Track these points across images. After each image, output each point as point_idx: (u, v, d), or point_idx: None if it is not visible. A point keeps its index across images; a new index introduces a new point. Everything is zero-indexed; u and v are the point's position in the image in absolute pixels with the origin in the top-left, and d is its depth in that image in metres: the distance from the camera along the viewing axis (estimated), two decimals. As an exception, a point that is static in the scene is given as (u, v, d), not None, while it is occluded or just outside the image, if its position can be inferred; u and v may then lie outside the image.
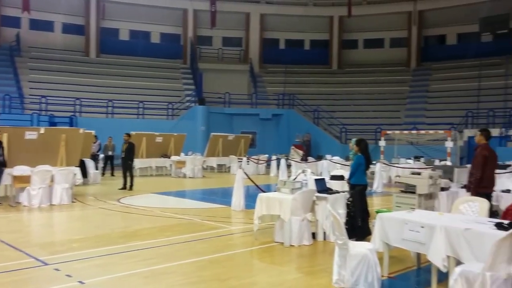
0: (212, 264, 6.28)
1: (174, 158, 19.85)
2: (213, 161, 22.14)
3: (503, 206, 8.23)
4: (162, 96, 27.72)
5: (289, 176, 16.47)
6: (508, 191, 9.10)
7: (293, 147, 24.38)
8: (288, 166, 19.57)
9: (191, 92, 28.97)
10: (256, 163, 21.49)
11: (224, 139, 22.95)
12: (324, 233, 7.64)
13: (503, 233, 4.38)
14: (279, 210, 7.32)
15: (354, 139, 8.38)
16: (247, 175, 11.19)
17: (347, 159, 18.50)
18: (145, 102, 26.26)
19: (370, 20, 32.83)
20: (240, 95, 29.77)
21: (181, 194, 14.18)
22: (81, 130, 13.02)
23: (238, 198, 10.85)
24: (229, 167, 22.23)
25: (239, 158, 21.50)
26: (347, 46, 34.45)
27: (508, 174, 12.57)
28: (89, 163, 16.13)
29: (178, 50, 33.25)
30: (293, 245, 7.14)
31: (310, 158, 21.19)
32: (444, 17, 31.42)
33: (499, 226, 4.79)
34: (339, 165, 17.09)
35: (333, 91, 31.04)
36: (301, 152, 23.65)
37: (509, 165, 14.43)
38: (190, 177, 18.91)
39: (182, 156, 20.16)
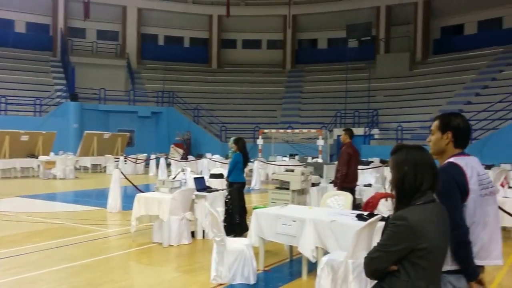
0: (86, 269, 5.97)
1: (42, 158, 18.35)
2: (87, 161, 20.96)
3: (365, 199, 9.06)
4: (29, 91, 25.48)
5: (168, 176, 16.27)
6: (369, 185, 10.07)
7: (173, 145, 24.11)
8: (168, 165, 19.31)
9: (62, 87, 27.06)
10: (134, 162, 20.85)
11: (99, 137, 21.85)
12: (204, 231, 7.71)
13: (362, 224, 4.85)
14: (158, 210, 7.21)
15: (232, 138, 8.57)
16: (124, 175, 10.81)
17: (226, 157, 18.85)
18: (8, 97, 23.89)
19: (248, 21, 33.75)
20: (116, 92, 28.55)
21: (50, 197, 13.18)
22: None
23: (114, 199, 10.42)
24: (104, 167, 21.22)
25: (115, 158, 20.65)
26: (226, 46, 35.02)
27: (370, 169, 13.90)
28: None
29: (47, 41, 30.81)
30: (172, 245, 7.09)
31: (190, 157, 21.16)
32: (315, 22, 33.51)
33: (360, 217, 5.28)
34: (219, 163, 17.33)
35: (213, 89, 31.35)
36: (181, 150, 23.50)
37: (372, 162, 15.95)
38: (61, 178, 17.65)
39: (52, 156, 18.74)
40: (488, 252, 2.68)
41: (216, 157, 19.58)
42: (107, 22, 32.48)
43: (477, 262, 2.63)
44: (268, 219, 5.78)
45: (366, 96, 27.21)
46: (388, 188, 11.65)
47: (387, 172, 13.80)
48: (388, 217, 5.43)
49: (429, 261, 2.24)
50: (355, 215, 5.46)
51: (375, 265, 2.28)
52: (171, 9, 33.02)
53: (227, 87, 31.38)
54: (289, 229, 5.51)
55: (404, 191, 2.31)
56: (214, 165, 17.39)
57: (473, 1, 27.84)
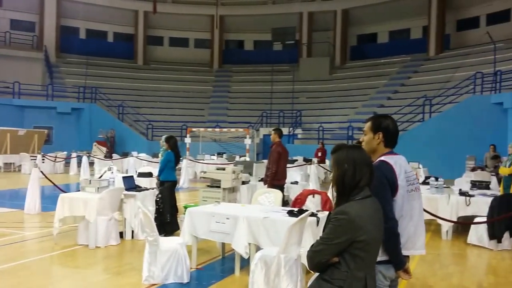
0: (4, 275, 5.61)
1: None
2: (-1, 159, 19.61)
3: (292, 195, 9.37)
4: None
5: (92, 175, 15.67)
6: (296, 182, 10.42)
7: (95, 143, 23.19)
8: (91, 163, 18.57)
9: (-30, 79, 25.04)
10: (53, 161, 19.79)
11: (12, 134, 20.46)
12: (133, 231, 7.56)
13: (293, 219, 5.04)
14: (84, 210, 6.95)
15: (164, 136, 8.47)
16: (44, 174, 10.26)
17: (154, 155, 18.50)
18: None
19: (175, 19, 33.30)
20: (32, 86, 26.86)
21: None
22: None
23: (33, 200, 9.83)
24: (19, 166, 19.93)
25: (32, 156, 19.46)
26: (153, 42, 34.27)
27: (296, 167, 14.35)
28: None
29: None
30: (99, 247, 6.87)
31: (115, 155, 20.48)
32: (242, 24, 33.86)
33: (291, 213, 5.49)
34: (146, 162, 16.98)
35: (138, 86, 30.51)
36: (104, 148, 22.68)
37: (296, 160, 16.46)
38: (-31, 178, 16.35)
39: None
40: (413, 243, 2.94)
41: (143, 155, 19.14)
42: (23, 11, 30.47)
43: (404, 252, 2.89)
44: (202, 217, 5.82)
45: (290, 98, 28.01)
46: (312, 185, 12.11)
47: (311, 170, 14.35)
48: (317, 212, 5.70)
49: (367, 252, 2.42)
50: (286, 211, 5.66)
51: (318, 257, 2.42)
52: (94, 1, 31.67)
53: (154, 85, 30.71)
54: (223, 227, 5.59)
55: (344, 187, 2.47)
56: (140, 163, 17.00)
57: (385, 13, 29.68)
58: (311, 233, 5.28)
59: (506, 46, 23.08)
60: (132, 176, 8.41)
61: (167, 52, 34.48)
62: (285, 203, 7.64)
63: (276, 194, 6.93)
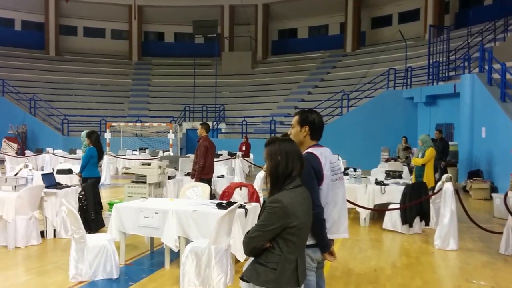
0: None
1: None
2: None
3: (219, 189, 9.50)
4: None
5: (3, 172, 14.67)
6: (222, 176, 10.55)
7: (5, 139, 21.64)
8: (1, 161, 17.35)
9: None
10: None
11: None
12: (54, 230, 7.26)
13: (223, 211, 5.17)
14: (1, 210, 6.56)
15: (85, 131, 8.18)
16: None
17: (71, 152, 17.69)
18: None
19: (90, 8, 31.80)
20: None
21: None
22: None
23: None
24: None
25: None
26: (66, 32, 32.52)
27: (221, 161, 14.47)
28: None
29: None
30: (19, 247, 6.52)
31: (28, 152, 19.28)
32: (162, 15, 33.18)
33: (220, 206, 5.61)
34: (63, 158, 16.20)
35: (51, 79, 28.85)
36: (15, 145, 21.25)
37: (221, 154, 16.58)
38: None
39: None
40: (337, 227, 3.21)
41: (59, 151, 18.21)
42: None
43: (329, 236, 3.15)
44: (130, 212, 5.75)
45: (213, 92, 28.00)
46: (237, 179, 12.31)
47: (236, 164, 14.57)
48: (245, 204, 5.86)
49: (298, 237, 2.63)
50: (215, 204, 5.77)
51: (254, 243, 2.59)
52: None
53: (68, 77, 29.16)
54: (152, 221, 5.57)
55: (278, 178, 2.66)
56: (57, 160, 16.17)
57: (304, 8, 30.67)
58: (240, 224, 5.44)
59: (416, 44, 24.81)
60: (52, 173, 8.06)
61: (82, 42, 32.88)
62: (212, 196, 7.74)
63: (204, 187, 7.01)
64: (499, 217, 9.10)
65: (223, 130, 25.19)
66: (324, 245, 3.10)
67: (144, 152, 19.49)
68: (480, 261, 6.46)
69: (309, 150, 3.16)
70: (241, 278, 2.70)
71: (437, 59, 18.16)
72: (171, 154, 17.58)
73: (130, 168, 16.54)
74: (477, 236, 7.74)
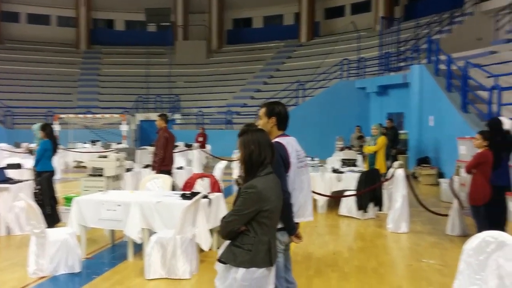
0: None
1: None
2: None
3: (178, 180, 9.47)
4: None
5: None
6: (181, 167, 10.52)
7: None
8: None
9: None
10: None
11: None
12: (7, 227, 7.04)
13: (188, 202, 5.22)
14: (-50, 207, 6.30)
15: (38, 124, 7.92)
16: None
17: (16, 145, 16.96)
18: None
19: (33, -8, 30.48)
20: None
21: None
22: None
23: None
24: None
25: None
26: (7, 19, 30.90)
27: (178, 153, 14.37)
28: None
29: None
30: (-30, 245, 6.32)
31: (-31, 146, 18.30)
32: (112, 2, 32.22)
33: (184, 196, 5.65)
34: (8, 152, 15.50)
35: (-8, 68, 27.48)
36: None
37: (177, 146, 16.44)
38: None
39: None
40: (303, 211, 3.41)
41: (4, 145, 17.40)
42: None
43: (296, 219, 3.33)
44: (91, 206, 5.68)
45: (167, 82, 27.63)
46: (195, 170, 12.31)
47: (193, 155, 14.55)
48: (208, 194, 5.93)
49: (271, 220, 2.82)
50: (179, 194, 5.81)
51: (231, 227, 2.76)
52: None
53: (10, 66, 27.69)
54: (114, 214, 5.54)
55: (252, 165, 2.83)
56: (1, 154, 15.45)
57: (259, -2, 30.70)
58: (204, 214, 5.51)
59: (368, 34, 25.46)
60: (2, 168, 7.78)
61: (25, 29, 31.40)
62: (173, 187, 7.73)
63: (165, 179, 7.02)
64: (445, 200, 9.64)
65: (178, 121, 24.96)
66: (292, 228, 3.29)
67: (95, 144, 19.02)
68: (429, 242, 6.86)
69: (276, 139, 3.33)
70: (219, 260, 2.83)
71: (388, 50, 18.76)
72: (125, 146, 17.25)
73: (82, 162, 16.15)
74: (426, 219, 8.19)
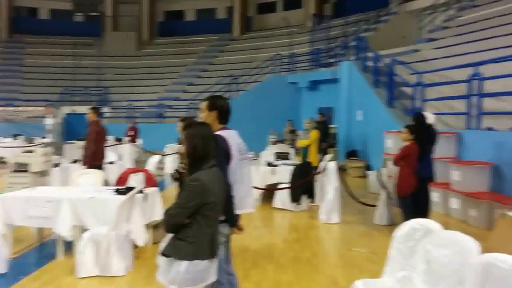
0: None
1: None
2: None
3: (109, 175, 9.17)
4: None
5: None
6: (112, 162, 10.20)
7: None
8: None
9: None
10: None
11: None
12: None
13: (123, 197, 5.09)
14: None
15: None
16: None
17: None
18: None
19: None
20: None
21: None
22: None
23: None
24: None
25: None
26: None
27: (108, 147, 13.91)
28: None
29: None
30: None
31: None
32: (35, -11, 30.54)
33: (119, 192, 5.49)
34: None
35: None
36: None
37: (107, 140, 15.89)
38: None
39: None
40: (244, 203, 3.45)
41: None
42: None
43: (237, 211, 3.35)
44: (17, 203, 5.36)
45: (95, 74, 26.58)
46: (127, 165, 11.99)
47: (124, 149, 14.16)
48: (143, 189, 5.82)
49: (214, 212, 2.84)
50: (113, 190, 5.63)
51: (174, 220, 2.75)
52: None
53: None
54: (44, 211, 5.27)
55: (196, 158, 2.83)
56: None
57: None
58: (140, 209, 5.39)
59: (299, 30, 25.98)
60: None
61: None
62: (105, 183, 7.48)
63: (97, 174, 6.78)
64: (373, 192, 10.13)
65: (107, 115, 24.06)
66: (233, 220, 3.31)
67: (18, 139, 17.90)
68: (358, 231, 7.19)
69: (218, 133, 3.33)
70: (163, 254, 2.80)
71: (319, 47, 19.29)
72: (49, 140, 16.39)
73: (3, 157, 15.13)
74: (356, 209, 8.56)
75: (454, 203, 8.04)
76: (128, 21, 30.48)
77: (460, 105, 9.97)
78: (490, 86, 9.23)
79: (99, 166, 7.57)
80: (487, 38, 12.90)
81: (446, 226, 3.59)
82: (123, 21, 30.79)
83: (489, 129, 8.92)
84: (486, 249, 3.08)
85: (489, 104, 9.26)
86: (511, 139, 7.85)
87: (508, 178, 7.72)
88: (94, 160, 7.63)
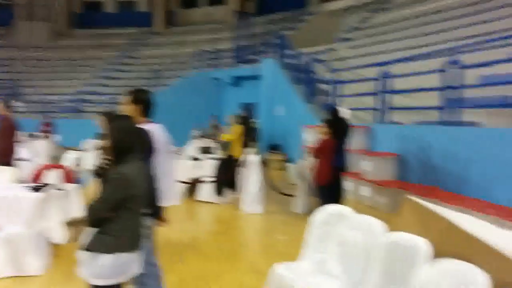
0: None
1: None
2: None
3: (22, 172, 8.69)
4: None
5: None
6: (25, 159, 9.66)
7: None
8: None
9: None
10: None
11: None
12: None
13: (38, 195, 4.90)
14: None
15: None
16: None
17: None
18: None
19: None
20: None
21: None
22: None
23: None
24: None
25: None
26: None
27: (21, 143, 13.12)
28: None
29: None
30: None
31: None
32: None
33: (34, 189, 5.26)
34: None
35: None
36: None
37: (18, 135, 14.97)
38: None
39: None
40: (168, 196, 3.49)
41: None
42: None
43: (161, 204, 3.40)
44: None
45: (5, 65, 24.85)
46: (42, 161, 11.42)
47: (39, 145, 13.45)
48: (60, 185, 5.64)
49: (137, 205, 2.85)
50: (29, 187, 5.39)
51: (98, 214, 2.73)
52: None
53: None
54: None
55: (120, 152, 2.82)
56: None
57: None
58: (58, 206, 5.21)
59: (223, 27, 26.03)
60: None
61: None
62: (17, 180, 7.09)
63: (9, 171, 6.42)
64: (293, 183, 10.52)
65: (19, 109, 22.59)
66: (157, 213, 3.35)
67: None
68: (280, 220, 7.49)
69: (143, 126, 3.34)
70: (86, 249, 2.75)
71: (242, 44, 19.52)
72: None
73: None
74: (277, 200, 8.87)
75: (365, 191, 8.62)
76: (42, 10, 28.77)
77: (371, 101, 10.64)
78: (398, 84, 9.95)
79: (7, 163, 7.14)
80: (396, 40, 13.85)
81: (358, 212, 3.88)
82: (37, 10, 29.01)
83: (396, 123, 9.63)
84: (392, 230, 3.39)
85: (397, 100, 9.97)
86: (415, 132, 8.55)
87: (412, 168, 8.41)
88: (4, 156, 7.20)
